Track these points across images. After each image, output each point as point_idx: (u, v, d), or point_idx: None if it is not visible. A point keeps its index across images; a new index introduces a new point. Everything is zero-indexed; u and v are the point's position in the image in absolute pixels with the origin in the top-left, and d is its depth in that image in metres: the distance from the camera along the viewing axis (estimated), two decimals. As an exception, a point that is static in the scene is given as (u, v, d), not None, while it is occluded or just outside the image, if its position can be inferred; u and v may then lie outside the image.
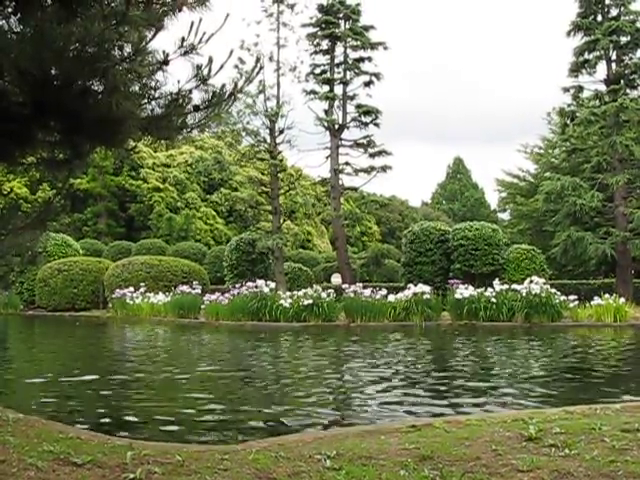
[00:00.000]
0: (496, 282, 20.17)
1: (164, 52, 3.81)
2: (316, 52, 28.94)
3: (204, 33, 3.83)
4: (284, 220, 30.39)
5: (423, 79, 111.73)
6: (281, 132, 27.28)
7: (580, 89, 26.04)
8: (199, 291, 23.71)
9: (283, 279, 25.80)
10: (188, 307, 22.96)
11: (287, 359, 12.69)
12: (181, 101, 3.97)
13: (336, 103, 28.51)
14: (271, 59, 27.44)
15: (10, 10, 3.50)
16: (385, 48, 28.42)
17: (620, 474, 3.83)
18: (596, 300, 19.27)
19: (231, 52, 4.16)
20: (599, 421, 5.07)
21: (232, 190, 48.53)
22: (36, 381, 9.65)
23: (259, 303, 20.71)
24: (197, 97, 4.02)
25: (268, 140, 27.50)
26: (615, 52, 25.35)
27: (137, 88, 3.88)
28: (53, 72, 3.51)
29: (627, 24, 24.70)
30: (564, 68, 26.22)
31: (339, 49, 29.04)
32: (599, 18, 25.69)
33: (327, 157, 28.13)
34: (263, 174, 32.04)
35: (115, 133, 3.91)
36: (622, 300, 19.21)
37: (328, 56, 29.01)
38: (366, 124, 28.46)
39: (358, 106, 28.52)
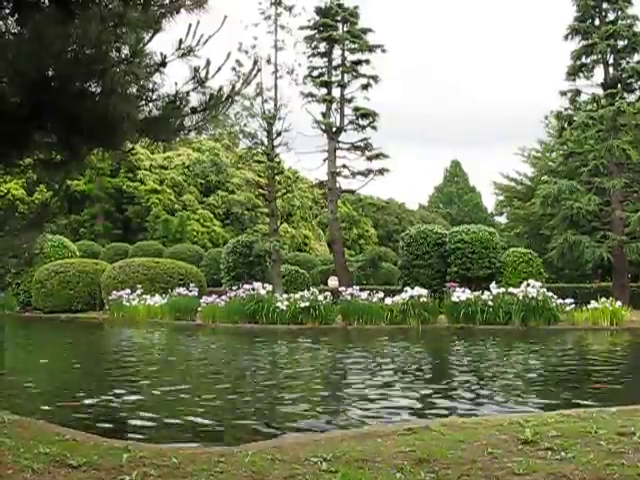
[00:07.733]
0: (493, 285, 20.17)
1: (162, 54, 3.81)
2: (314, 55, 28.87)
3: (202, 35, 3.84)
4: (281, 223, 30.33)
5: (419, 81, 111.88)
6: (278, 134, 27.24)
7: (577, 93, 26.04)
8: (196, 293, 23.72)
9: (280, 281, 25.76)
10: (185, 309, 22.92)
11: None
12: (178, 103, 3.98)
13: (334, 106, 28.47)
14: (269, 62, 27.40)
15: (8, 11, 3.50)
16: (383, 51, 28.35)
17: (616, 477, 3.84)
18: (593, 304, 19.25)
19: (229, 54, 4.17)
20: (595, 424, 5.08)
21: (229, 192, 48.55)
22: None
23: (256, 305, 20.68)
24: (195, 99, 4.02)
25: (265, 142, 27.44)
26: (612, 56, 25.36)
27: (135, 90, 3.88)
28: (50, 73, 3.51)
29: (624, 28, 24.70)
30: (562, 71, 26.27)
31: (337, 52, 29.00)
32: (597, 22, 25.69)
33: (324, 160, 28.09)
34: (260, 176, 31.94)
35: (112, 135, 3.91)
36: (619, 304, 19.17)
37: (326, 59, 28.96)
38: (363, 127, 28.39)
39: (355, 109, 28.46)
